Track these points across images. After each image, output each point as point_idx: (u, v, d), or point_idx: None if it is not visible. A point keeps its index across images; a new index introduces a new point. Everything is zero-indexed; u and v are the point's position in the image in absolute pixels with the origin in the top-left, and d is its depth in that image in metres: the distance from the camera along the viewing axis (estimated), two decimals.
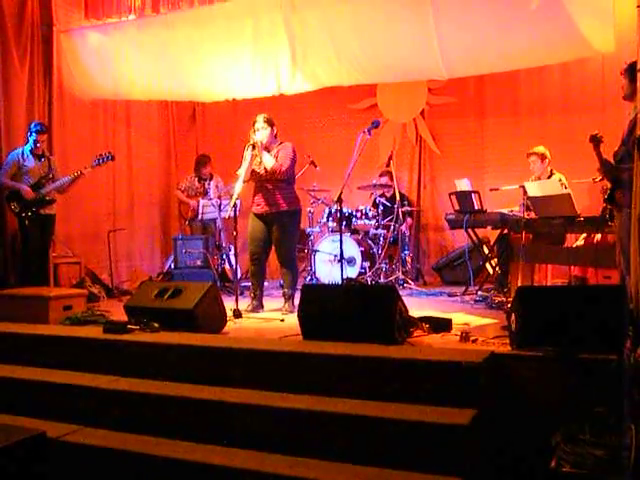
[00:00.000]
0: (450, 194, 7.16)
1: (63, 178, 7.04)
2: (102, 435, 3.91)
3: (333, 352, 4.01)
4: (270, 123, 6.17)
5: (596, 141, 4.77)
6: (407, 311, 4.56)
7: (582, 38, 5.69)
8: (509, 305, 4.71)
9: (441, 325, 4.79)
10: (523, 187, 6.07)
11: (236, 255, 6.71)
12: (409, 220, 8.65)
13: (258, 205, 6.23)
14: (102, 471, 3.72)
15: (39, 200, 6.95)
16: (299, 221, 6.44)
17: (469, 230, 7.01)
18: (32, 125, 7.03)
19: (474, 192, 6.80)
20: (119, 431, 3.93)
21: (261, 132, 6.11)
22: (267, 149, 6.14)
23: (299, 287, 5.60)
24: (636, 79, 4.08)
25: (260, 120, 6.13)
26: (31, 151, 6.99)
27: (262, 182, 6.19)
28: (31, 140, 6.96)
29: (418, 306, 5.76)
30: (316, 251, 7.96)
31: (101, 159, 7.16)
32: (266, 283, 6.66)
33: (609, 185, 4.74)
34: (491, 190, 7.02)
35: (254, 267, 6.32)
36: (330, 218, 8.13)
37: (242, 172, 6.04)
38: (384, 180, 8.46)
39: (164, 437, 3.78)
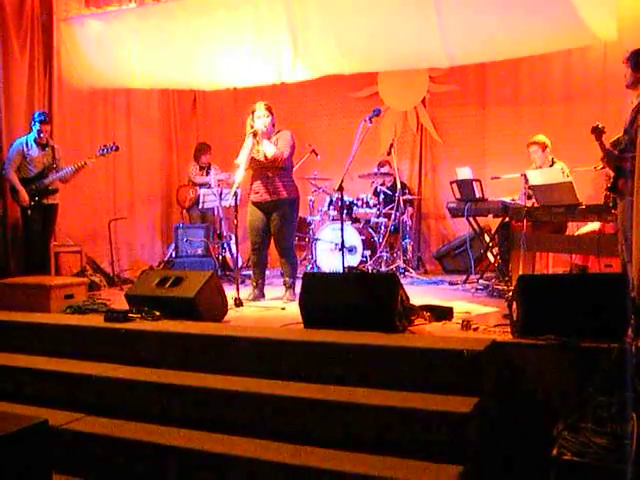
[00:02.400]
0: (451, 182, 7.16)
1: (67, 168, 7.02)
2: (104, 423, 3.92)
3: (334, 340, 4.02)
4: (270, 111, 6.14)
5: (598, 132, 4.75)
6: (408, 299, 4.57)
7: (584, 26, 5.67)
8: (510, 293, 4.71)
9: (442, 313, 4.79)
10: (524, 175, 6.06)
11: (237, 244, 6.70)
12: (410, 209, 8.64)
13: (257, 193, 6.19)
14: (104, 459, 3.73)
15: (42, 190, 6.94)
16: (298, 209, 6.42)
17: (470, 218, 7.00)
18: (36, 115, 7.00)
19: (475, 180, 6.79)
20: (121, 419, 3.94)
21: (262, 120, 6.07)
22: (267, 137, 6.10)
23: (300, 275, 5.60)
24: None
25: (261, 108, 6.09)
26: (35, 140, 6.96)
27: (261, 170, 6.15)
28: (35, 129, 6.93)
29: (419, 294, 5.77)
30: (317, 240, 7.96)
31: (105, 149, 7.13)
32: (267, 272, 6.65)
33: (612, 174, 4.74)
34: (492, 178, 7.02)
35: (255, 256, 6.31)
36: (331, 206, 8.13)
37: (243, 161, 6.01)
38: (384, 170, 8.45)
39: (166, 425, 3.79)
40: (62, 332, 4.92)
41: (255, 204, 6.22)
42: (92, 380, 4.25)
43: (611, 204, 4.82)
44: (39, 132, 6.92)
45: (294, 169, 6.49)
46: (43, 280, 5.89)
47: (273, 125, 6.20)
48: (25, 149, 6.91)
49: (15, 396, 4.36)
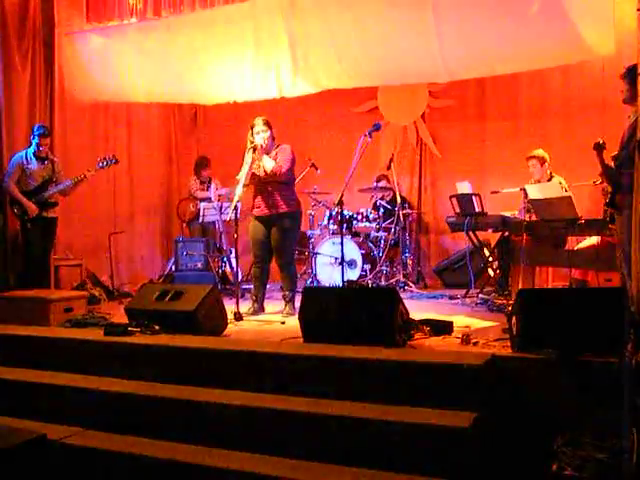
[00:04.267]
0: (451, 197, 7.16)
1: (66, 181, 7.03)
2: (103, 437, 3.90)
3: (334, 355, 4.01)
4: (269, 125, 6.17)
5: (600, 148, 4.77)
6: (408, 314, 4.56)
7: (582, 41, 5.69)
8: (510, 308, 4.71)
9: (442, 328, 4.79)
10: (524, 190, 6.07)
11: (237, 258, 6.71)
12: (410, 222, 8.64)
13: (258, 207, 6.24)
14: (103, 473, 3.72)
15: (42, 203, 6.95)
16: (299, 223, 6.43)
17: (470, 233, 7.00)
18: (35, 128, 7.02)
19: (475, 195, 6.80)
20: (120, 433, 3.93)
21: (261, 135, 6.09)
22: (266, 152, 6.13)
23: (300, 290, 5.59)
24: (636, 83, 4.08)
25: (260, 123, 6.12)
26: (34, 154, 6.97)
27: (262, 185, 6.19)
28: (34, 143, 6.95)
29: (419, 309, 5.77)
30: (317, 254, 7.96)
31: (105, 162, 7.15)
32: (267, 286, 6.65)
33: (610, 189, 4.75)
34: (492, 193, 7.00)
35: (257, 269, 6.32)
36: (331, 221, 8.13)
37: (242, 176, 6.03)
38: (383, 184, 8.47)
39: (164, 439, 3.78)
40: (61, 346, 4.92)
41: (257, 218, 6.26)
42: (91, 394, 4.24)
43: (609, 219, 4.83)
44: (38, 145, 6.94)
45: (295, 182, 6.49)
46: (43, 293, 5.90)
47: (273, 139, 6.22)
48: (24, 163, 6.92)
49: (13, 410, 4.34)
